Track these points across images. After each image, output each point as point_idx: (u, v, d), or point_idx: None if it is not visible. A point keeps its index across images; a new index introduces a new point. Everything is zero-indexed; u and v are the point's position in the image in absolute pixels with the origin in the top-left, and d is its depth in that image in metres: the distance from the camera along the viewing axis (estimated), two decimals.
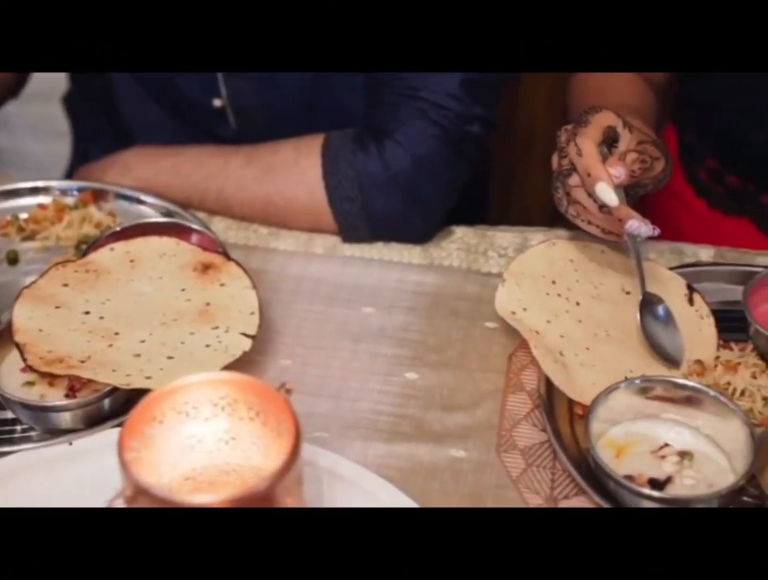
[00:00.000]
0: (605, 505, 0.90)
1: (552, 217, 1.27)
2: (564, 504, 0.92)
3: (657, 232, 0.97)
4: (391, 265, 1.15)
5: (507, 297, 1.04)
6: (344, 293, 1.12)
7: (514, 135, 1.94)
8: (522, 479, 0.94)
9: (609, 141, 1.00)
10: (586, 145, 0.97)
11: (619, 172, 0.96)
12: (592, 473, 0.92)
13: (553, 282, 1.06)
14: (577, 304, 1.05)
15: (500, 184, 1.93)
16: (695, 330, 1.04)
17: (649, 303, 1.02)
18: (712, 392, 0.94)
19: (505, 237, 1.19)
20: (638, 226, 0.96)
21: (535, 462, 0.95)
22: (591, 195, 0.97)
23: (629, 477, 0.91)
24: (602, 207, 0.97)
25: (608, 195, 0.95)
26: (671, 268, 1.09)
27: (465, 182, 1.23)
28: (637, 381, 0.95)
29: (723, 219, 1.32)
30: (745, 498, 0.91)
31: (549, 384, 0.99)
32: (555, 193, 1.02)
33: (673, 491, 0.90)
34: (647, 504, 0.89)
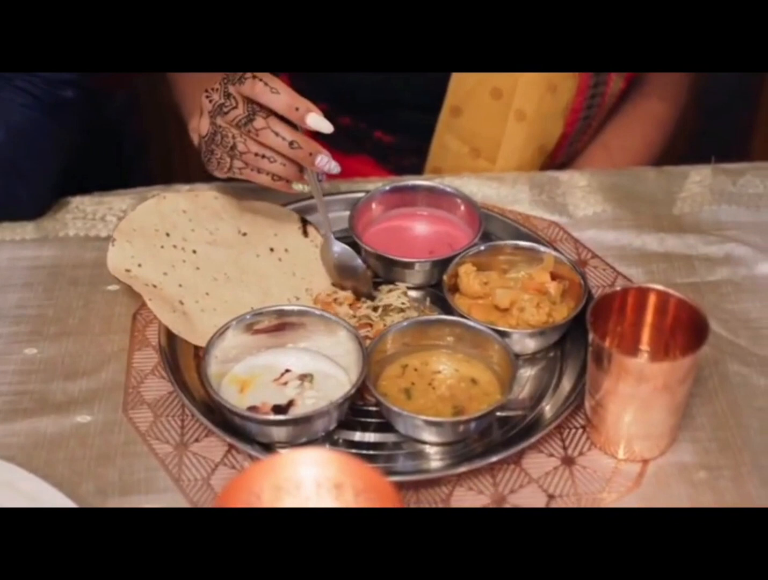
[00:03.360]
0: (234, 442, 0.90)
1: None
2: (194, 448, 0.92)
3: (339, 169, 1.00)
4: (3, 244, 1.11)
5: (119, 256, 1.02)
6: None
7: (165, 108, 1.93)
8: (151, 432, 0.93)
9: None
10: (278, 83, 0.97)
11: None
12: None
13: (168, 234, 1.05)
14: (194, 252, 1.05)
15: (159, 157, 1.91)
16: (312, 259, 1.07)
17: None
18: (317, 312, 0.97)
19: (124, 200, 1.17)
20: (328, 160, 0.98)
21: (164, 413, 0.95)
22: (279, 133, 0.96)
23: (253, 408, 0.92)
24: (292, 143, 0.97)
25: (322, 122, 0.97)
26: (285, 205, 1.12)
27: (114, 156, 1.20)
28: (248, 316, 0.97)
29: (347, 158, 1.36)
30: (368, 408, 0.95)
31: (171, 335, 0.99)
32: (210, 156, 1.01)
33: (295, 412, 0.92)
34: (274, 430, 0.91)
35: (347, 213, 1.10)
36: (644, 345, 0.92)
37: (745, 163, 1.21)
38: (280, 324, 0.97)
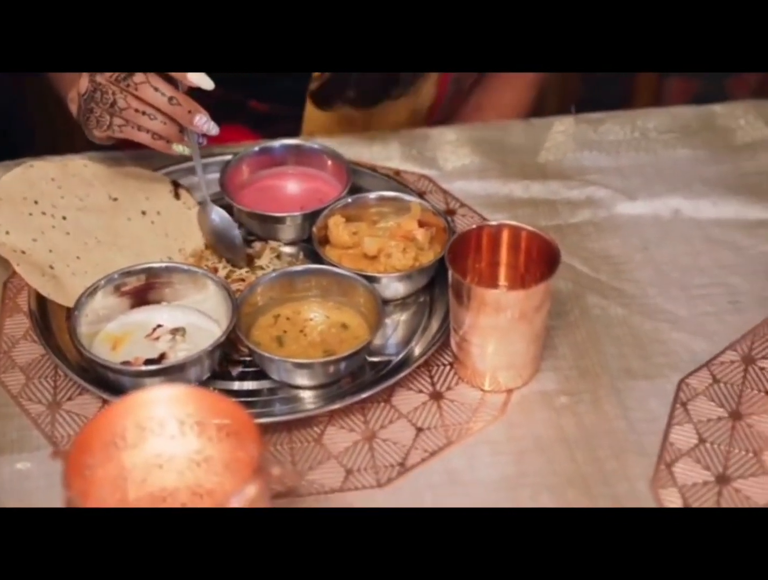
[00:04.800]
0: (108, 397, 0.91)
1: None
2: (68, 406, 0.92)
3: (217, 130, 1.00)
4: None
5: None
6: None
7: (50, 97, 1.91)
8: (23, 393, 0.93)
9: None
10: None
11: None
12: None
13: (36, 202, 1.05)
14: (64, 218, 1.05)
15: (46, 146, 1.89)
16: (185, 221, 1.08)
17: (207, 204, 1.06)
18: (185, 267, 0.99)
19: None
20: (206, 120, 0.98)
21: (36, 375, 0.95)
22: (158, 89, 0.96)
23: (126, 363, 0.93)
24: (171, 99, 0.97)
25: (204, 79, 0.97)
26: (156, 169, 1.13)
27: None
28: (116, 275, 0.97)
29: (222, 128, 1.37)
30: (244, 358, 0.97)
31: (42, 298, 0.99)
32: (90, 115, 1.00)
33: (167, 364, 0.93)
34: (147, 381, 0.91)
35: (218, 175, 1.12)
36: (502, 280, 0.96)
37: (606, 112, 1.26)
38: (149, 283, 0.98)
